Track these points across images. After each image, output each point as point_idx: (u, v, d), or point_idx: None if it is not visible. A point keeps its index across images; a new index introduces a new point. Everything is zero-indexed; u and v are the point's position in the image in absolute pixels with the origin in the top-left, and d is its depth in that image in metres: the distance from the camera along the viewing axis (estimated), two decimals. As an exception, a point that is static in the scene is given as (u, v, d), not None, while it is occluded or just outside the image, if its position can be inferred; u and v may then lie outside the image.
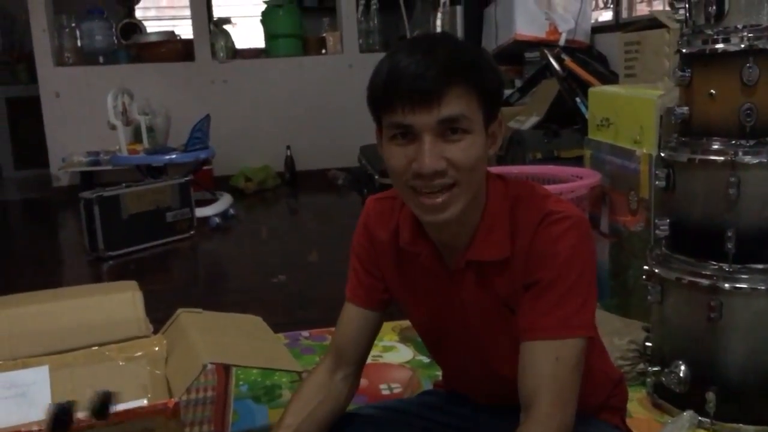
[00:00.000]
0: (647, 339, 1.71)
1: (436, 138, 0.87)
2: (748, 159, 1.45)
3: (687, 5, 1.53)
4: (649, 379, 1.67)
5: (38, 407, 1.36)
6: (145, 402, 1.35)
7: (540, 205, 0.95)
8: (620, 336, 1.79)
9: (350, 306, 1.11)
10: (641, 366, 1.74)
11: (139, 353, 1.41)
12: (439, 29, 3.96)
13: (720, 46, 1.46)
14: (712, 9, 1.46)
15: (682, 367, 1.54)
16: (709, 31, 1.47)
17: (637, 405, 1.66)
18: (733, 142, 1.47)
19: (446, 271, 1.00)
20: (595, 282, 0.95)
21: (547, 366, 0.91)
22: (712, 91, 1.49)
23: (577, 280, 0.92)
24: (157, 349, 1.42)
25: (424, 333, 1.13)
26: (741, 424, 1.51)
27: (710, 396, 1.50)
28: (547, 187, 2.17)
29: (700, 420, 1.51)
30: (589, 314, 0.94)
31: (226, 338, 1.49)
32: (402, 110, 0.87)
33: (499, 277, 0.97)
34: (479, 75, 0.89)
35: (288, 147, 4.89)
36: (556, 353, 0.91)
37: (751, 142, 1.46)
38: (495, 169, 2.67)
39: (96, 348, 1.46)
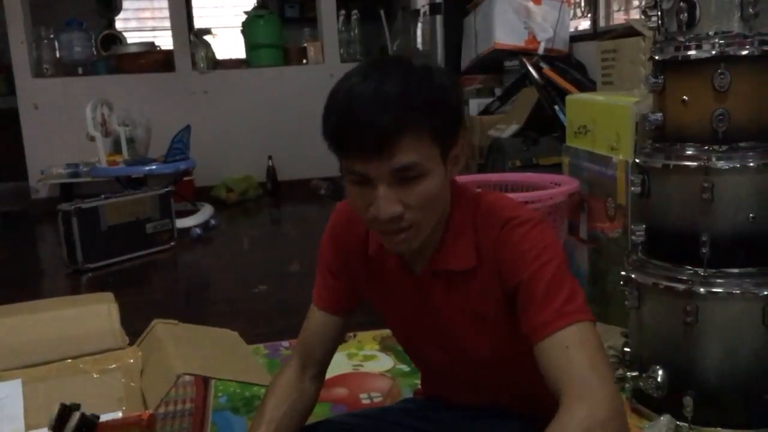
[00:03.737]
0: (626, 344, 1.71)
1: (391, 184, 0.86)
2: (721, 164, 1.47)
3: (659, 13, 1.55)
4: (627, 385, 1.67)
5: (11, 421, 1.34)
6: (120, 414, 1.33)
7: (499, 214, 0.95)
8: (599, 342, 1.80)
9: (315, 310, 1.11)
10: (620, 371, 1.75)
11: (114, 365, 1.40)
12: (419, 39, 3.98)
13: (692, 52, 1.47)
14: (684, 16, 1.47)
15: (660, 372, 1.55)
16: (681, 38, 1.49)
17: (617, 410, 1.66)
18: (706, 147, 1.48)
19: (415, 278, 1.00)
20: (570, 274, 0.95)
21: (559, 358, 0.87)
22: (684, 97, 1.50)
23: (555, 272, 0.92)
24: (132, 361, 1.41)
25: (401, 337, 1.13)
26: (718, 428, 1.51)
27: (688, 400, 1.50)
28: (526, 194, 2.21)
29: (678, 424, 1.52)
30: (581, 300, 0.92)
31: (201, 350, 1.47)
32: (354, 159, 0.86)
33: (468, 286, 0.97)
34: (433, 115, 0.87)
35: (270, 157, 4.88)
36: (564, 343, 0.87)
37: (724, 148, 1.47)
38: (470, 178, 2.68)
39: (70, 361, 1.45)
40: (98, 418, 1.15)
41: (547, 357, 0.88)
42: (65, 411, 1.17)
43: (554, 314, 0.89)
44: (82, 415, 1.12)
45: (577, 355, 0.86)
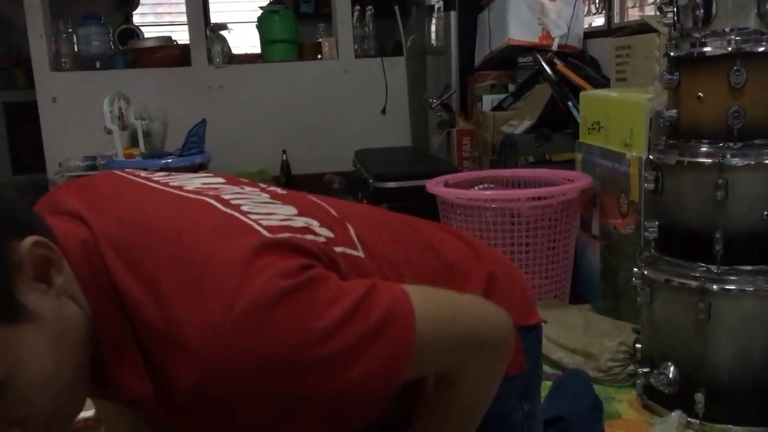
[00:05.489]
0: (637, 340, 1.71)
1: None
2: (735, 161, 1.46)
3: (675, 9, 1.54)
4: (638, 381, 1.67)
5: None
6: None
7: (168, 335, 0.59)
8: (610, 338, 1.80)
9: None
10: (631, 367, 1.75)
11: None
12: (433, 35, 3.98)
13: (707, 49, 1.47)
14: (700, 12, 1.47)
15: (671, 369, 1.55)
16: (697, 35, 1.48)
17: (627, 406, 1.67)
18: (721, 144, 1.48)
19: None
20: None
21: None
22: (699, 94, 1.50)
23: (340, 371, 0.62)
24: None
25: None
26: (730, 425, 1.51)
27: (699, 397, 1.50)
28: (538, 190, 2.21)
29: (689, 421, 1.52)
30: (382, 320, 0.64)
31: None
32: None
33: (179, 401, 0.67)
34: None
35: (284, 151, 4.90)
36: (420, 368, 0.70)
37: (739, 145, 1.47)
38: (483, 174, 2.66)
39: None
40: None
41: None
42: None
43: (388, 378, 0.66)
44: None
45: (438, 352, 0.70)
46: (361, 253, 0.74)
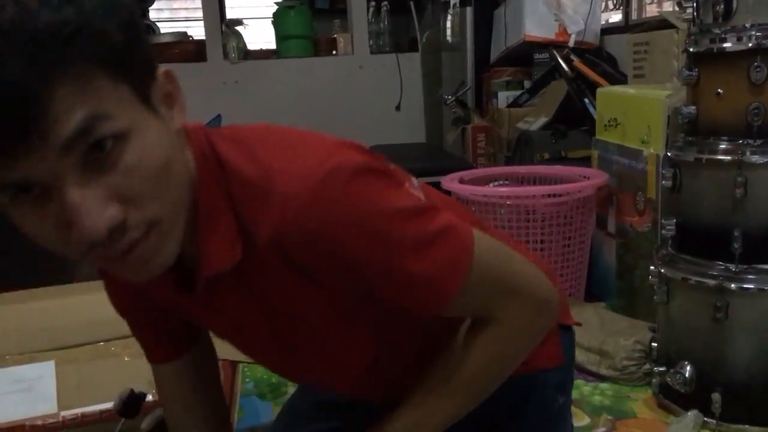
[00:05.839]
0: (653, 339, 1.70)
1: (80, 176, 0.53)
2: (755, 159, 1.44)
3: (695, 4, 1.52)
4: (654, 380, 1.66)
5: (44, 401, 1.38)
6: (150, 398, 1.36)
7: (260, 186, 0.64)
8: (626, 336, 1.79)
9: (158, 367, 0.92)
10: (647, 366, 1.74)
11: (144, 349, 1.42)
12: (449, 31, 3.96)
13: (727, 45, 1.45)
14: (720, 8, 1.45)
15: (688, 368, 1.54)
16: (717, 30, 1.46)
17: (643, 405, 1.66)
18: (741, 141, 1.46)
19: (198, 296, 0.72)
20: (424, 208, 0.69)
21: (468, 309, 0.75)
22: (719, 90, 1.48)
23: (408, 249, 0.66)
24: (162, 344, 1.43)
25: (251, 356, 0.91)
26: (747, 425, 1.50)
27: (716, 396, 1.49)
28: (554, 187, 2.19)
29: (705, 420, 1.50)
30: (452, 236, 0.69)
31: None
32: None
33: (258, 277, 0.70)
34: (92, 38, 0.51)
35: (298, 147, 4.91)
36: (465, 296, 0.70)
37: (759, 142, 1.45)
38: (498, 170, 2.65)
39: (102, 343, 1.49)
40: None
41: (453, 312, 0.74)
42: (133, 398, 1.19)
43: (435, 289, 0.69)
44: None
45: (486, 289, 0.73)
46: (423, 197, 0.76)
